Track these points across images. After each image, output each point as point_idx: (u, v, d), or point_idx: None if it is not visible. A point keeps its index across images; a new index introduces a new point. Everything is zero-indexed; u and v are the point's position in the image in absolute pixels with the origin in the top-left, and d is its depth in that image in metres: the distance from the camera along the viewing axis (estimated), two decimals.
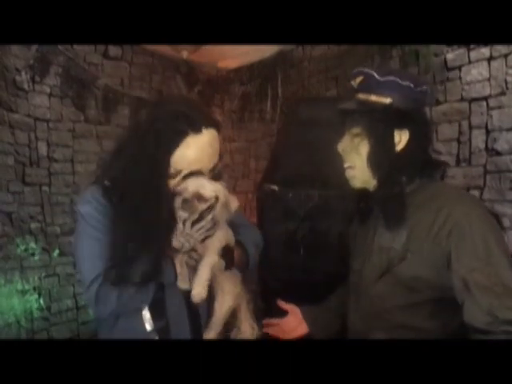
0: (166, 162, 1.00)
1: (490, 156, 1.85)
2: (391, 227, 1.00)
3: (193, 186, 1.01)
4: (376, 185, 1.04)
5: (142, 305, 1.04)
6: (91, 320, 2.79)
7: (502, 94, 1.80)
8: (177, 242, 1.02)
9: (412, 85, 0.99)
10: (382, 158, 1.00)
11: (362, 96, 1.02)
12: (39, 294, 2.54)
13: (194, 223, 1.02)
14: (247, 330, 1.14)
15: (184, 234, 1.02)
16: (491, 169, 1.84)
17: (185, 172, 1.03)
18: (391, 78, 0.99)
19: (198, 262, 1.04)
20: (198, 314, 1.08)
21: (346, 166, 1.08)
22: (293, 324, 1.27)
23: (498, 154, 1.82)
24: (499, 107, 1.81)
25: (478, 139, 1.88)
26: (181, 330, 1.06)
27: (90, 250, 1.02)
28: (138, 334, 1.03)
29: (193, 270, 1.04)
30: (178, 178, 1.03)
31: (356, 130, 1.03)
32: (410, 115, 1.00)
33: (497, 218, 1.00)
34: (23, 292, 2.45)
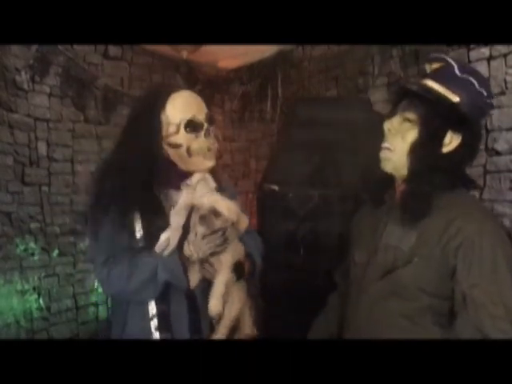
0: (158, 122, 1.10)
1: (489, 156, 1.85)
2: (405, 224, 0.97)
3: (208, 201, 1.07)
4: (406, 176, 1.00)
5: (149, 299, 1.08)
6: (91, 320, 2.79)
7: (502, 93, 1.80)
8: (188, 250, 1.07)
9: (485, 93, 0.95)
10: (426, 152, 0.96)
11: (431, 83, 0.97)
12: (39, 294, 2.54)
13: (204, 236, 1.07)
14: (249, 334, 1.17)
15: (195, 243, 1.07)
16: (491, 169, 1.84)
17: (183, 122, 1.11)
18: (470, 77, 0.95)
19: (212, 275, 1.10)
20: (201, 330, 1.12)
21: (384, 145, 1.03)
22: None
23: (498, 153, 1.82)
24: (499, 107, 1.81)
25: None
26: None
27: (104, 232, 1.09)
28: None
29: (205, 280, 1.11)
30: (181, 132, 1.11)
31: (410, 115, 0.98)
32: (470, 122, 0.96)
33: (510, 235, 0.97)
34: (23, 292, 2.45)
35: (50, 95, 2.58)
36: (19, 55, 2.39)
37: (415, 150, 0.97)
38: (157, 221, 1.08)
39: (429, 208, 0.95)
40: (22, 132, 2.45)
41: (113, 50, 2.86)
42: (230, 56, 3.07)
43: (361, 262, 1.09)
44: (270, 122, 3.11)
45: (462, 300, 0.89)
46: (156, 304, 1.07)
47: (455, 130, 0.95)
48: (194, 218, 1.07)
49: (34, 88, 2.50)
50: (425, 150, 0.96)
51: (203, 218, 1.05)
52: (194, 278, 1.09)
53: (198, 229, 1.07)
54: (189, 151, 1.11)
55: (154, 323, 1.06)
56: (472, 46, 1.89)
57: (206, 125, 1.14)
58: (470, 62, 1.90)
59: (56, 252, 2.63)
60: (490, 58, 1.83)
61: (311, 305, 1.32)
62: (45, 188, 2.59)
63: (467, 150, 0.98)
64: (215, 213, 1.06)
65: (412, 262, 0.95)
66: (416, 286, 0.95)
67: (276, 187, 2.01)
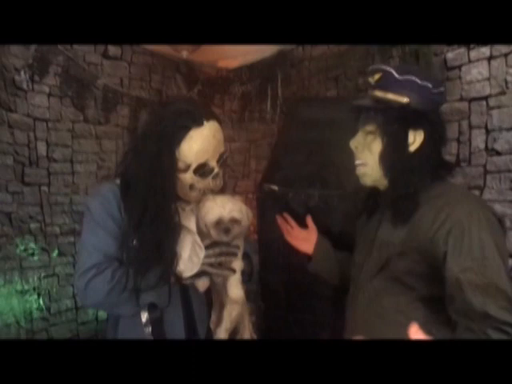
0: (172, 158, 1.04)
1: (489, 156, 1.85)
2: (398, 223, 1.00)
3: (227, 213, 1.08)
4: (387, 184, 1.03)
5: (127, 314, 1.06)
6: (90, 320, 2.79)
7: (502, 93, 1.80)
8: (183, 266, 1.05)
9: (430, 85, 0.98)
10: (394, 157, 1.00)
11: (378, 93, 1.01)
12: (39, 295, 2.54)
13: (207, 248, 1.07)
14: (248, 338, 1.17)
15: (192, 260, 1.05)
16: (491, 169, 1.84)
17: (194, 165, 1.06)
18: (410, 77, 0.98)
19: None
20: (198, 335, 1.11)
21: (357, 162, 1.07)
22: (303, 235, 1.34)
23: (498, 153, 1.82)
24: (499, 107, 1.81)
25: (478, 139, 1.88)
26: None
27: (90, 241, 1.06)
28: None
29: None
30: (190, 173, 1.07)
31: (370, 127, 1.02)
32: (426, 116, 0.99)
33: (500, 220, 0.99)
34: (23, 292, 2.45)
35: (49, 95, 2.57)
36: (18, 55, 2.38)
37: (385, 158, 1.01)
38: (158, 232, 1.05)
39: (416, 205, 0.98)
40: (22, 132, 2.45)
41: (112, 49, 2.86)
42: (230, 56, 3.07)
43: (359, 262, 1.11)
44: (270, 122, 3.11)
45: (455, 285, 0.89)
46: (149, 311, 1.05)
47: (415, 127, 0.99)
48: (215, 233, 1.07)
49: (34, 88, 2.49)
50: (393, 154, 1.00)
51: (228, 231, 1.07)
52: (202, 284, 1.08)
53: (221, 237, 1.07)
54: (191, 187, 1.10)
55: (147, 330, 1.04)
56: (472, 45, 1.89)
57: (216, 169, 1.12)
58: (470, 61, 1.90)
59: (56, 252, 2.63)
60: (490, 58, 1.83)
61: (311, 305, 1.32)
62: (44, 188, 2.58)
63: (434, 141, 1.01)
64: (235, 221, 1.08)
65: (404, 254, 0.96)
66: (410, 277, 0.96)
67: (276, 187, 2.01)
